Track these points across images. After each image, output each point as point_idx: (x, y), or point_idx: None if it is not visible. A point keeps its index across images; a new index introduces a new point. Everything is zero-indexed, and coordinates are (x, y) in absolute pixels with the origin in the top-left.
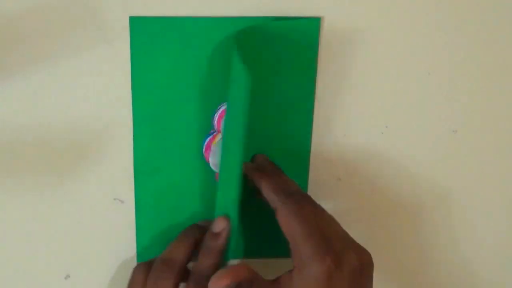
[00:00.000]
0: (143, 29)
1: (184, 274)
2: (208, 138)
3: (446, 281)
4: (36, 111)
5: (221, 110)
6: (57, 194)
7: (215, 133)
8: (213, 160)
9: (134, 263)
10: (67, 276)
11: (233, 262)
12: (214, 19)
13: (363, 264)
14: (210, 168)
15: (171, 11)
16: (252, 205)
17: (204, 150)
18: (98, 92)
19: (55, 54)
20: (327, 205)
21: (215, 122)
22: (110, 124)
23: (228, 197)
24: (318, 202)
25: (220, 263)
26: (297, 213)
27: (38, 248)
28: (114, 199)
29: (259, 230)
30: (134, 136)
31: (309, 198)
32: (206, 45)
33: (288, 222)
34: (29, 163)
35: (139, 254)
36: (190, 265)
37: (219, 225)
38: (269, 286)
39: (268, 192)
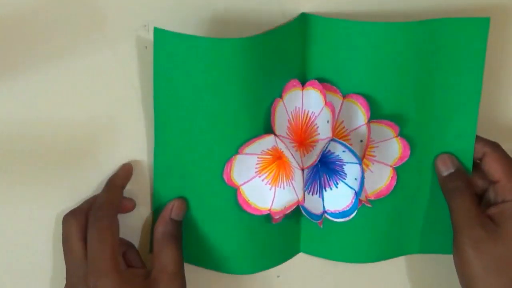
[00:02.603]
0: (166, 43)
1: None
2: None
3: None
4: (36, 112)
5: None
6: (58, 193)
7: None
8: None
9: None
10: None
11: None
12: (235, 40)
13: None
14: (231, 189)
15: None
16: None
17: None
18: (99, 95)
19: (57, 56)
20: None
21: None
22: (112, 124)
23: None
24: None
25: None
26: (507, 155)
27: (40, 248)
28: None
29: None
30: (154, 154)
31: None
32: (232, 65)
33: (505, 163)
34: (29, 163)
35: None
36: None
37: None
38: (481, 223)
39: None
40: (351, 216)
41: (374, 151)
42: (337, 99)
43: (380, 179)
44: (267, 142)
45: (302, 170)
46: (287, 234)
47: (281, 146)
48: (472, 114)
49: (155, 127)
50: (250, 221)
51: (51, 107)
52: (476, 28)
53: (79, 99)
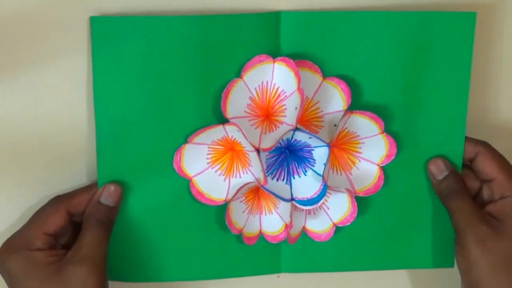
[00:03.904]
0: (104, 29)
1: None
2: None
3: None
4: (36, 111)
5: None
6: (56, 192)
7: None
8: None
9: None
10: None
11: None
12: (177, 17)
13: None
14: (182, 179)
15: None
16: None
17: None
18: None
19: (57, 55)
20: None
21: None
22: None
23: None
24: None
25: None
26: (499, 154)
27: None
28: None
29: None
30: (97, 148)
31: None
32: (171, 44)
33: (499, 160)
34: (28, 162)
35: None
36: None
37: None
38: (485, 220)
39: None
40: (318, 204)
41: (360, 147)
42: (316, 78)
43: (367, 178)
44: (216, 132)
45: (258, 150)
46: (254, 247)
47: (232, 133)
48: (461, 112)
49: (95, 118)
50: (204, 216)
51: (51, 106)
52: (462, 23)
53: (78, 98)
